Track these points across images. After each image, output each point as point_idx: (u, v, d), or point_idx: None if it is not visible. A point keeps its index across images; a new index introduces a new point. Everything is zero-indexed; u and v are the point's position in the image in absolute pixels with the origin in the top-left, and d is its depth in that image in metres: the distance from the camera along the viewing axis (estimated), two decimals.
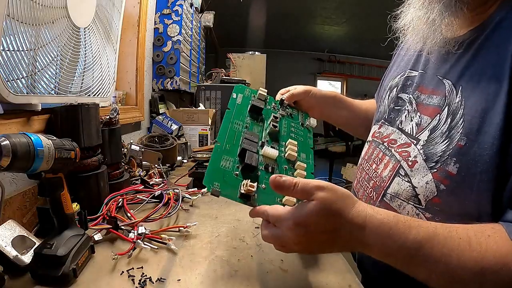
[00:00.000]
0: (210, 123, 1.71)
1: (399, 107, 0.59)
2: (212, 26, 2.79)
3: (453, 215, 0.44)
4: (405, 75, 0.61)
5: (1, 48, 0.57)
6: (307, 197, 0.41)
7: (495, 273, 0.35)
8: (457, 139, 0.44)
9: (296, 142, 0.58)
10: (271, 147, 0.56)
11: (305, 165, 0.55)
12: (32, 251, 0.49)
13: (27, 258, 0.49)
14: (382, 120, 0.62)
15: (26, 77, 0.65)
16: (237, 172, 0.50)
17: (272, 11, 4.29)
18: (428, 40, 0.52)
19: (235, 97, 0.65)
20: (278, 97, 0.71)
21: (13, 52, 0.60)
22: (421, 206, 0.48)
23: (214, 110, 1.90)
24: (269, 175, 0.51)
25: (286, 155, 0.56)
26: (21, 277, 0.48)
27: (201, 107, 1.99)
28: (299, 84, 0.76)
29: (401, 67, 0.64)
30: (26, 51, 0.64)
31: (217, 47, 4.41)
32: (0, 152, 0.39)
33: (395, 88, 0.62)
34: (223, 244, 0.62)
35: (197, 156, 1.46)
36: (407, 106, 0.56)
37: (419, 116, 0.52)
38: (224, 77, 2.39)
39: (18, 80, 0.63)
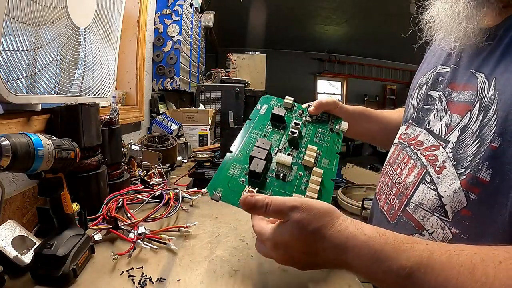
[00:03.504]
0: (210, 123, 1.71)
1: (428, 106, 0.54)
2: (212, 26, 2.79)
3: (483, 232, 0.39)
4: (436, 71, 0.55)
5: (1, 48, 0.57)
6: (281, 218, 0.39)
7: None
8: (489, 139, 0.38)
9: (316, 148, 0.57)
10: (288, 154, 0.56)
11: (321, 171, 0.53)
12: (32, 251, 0.49)
13: (27, 258, 0.49)
14: (410, 121, 0.58)
15: (26, 77, 0.65)
16: (244, 179, 0.51)
17: (272, 11, 4.29)
18: (453, 33, 0.48)
19: (259, 108, 0.66)
20: (306, 105, 0.68)
21: (13, 52, 0.60)
22: (447, 219, 0.43)
23: (214, 110, 1.90)
24: (279, 182, 0.52)
25: (302, 161, 0.55)
26: (21, 277, 0.48)
27: (201, 107, 1.99)
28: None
29: (432, 63, 0.58)
30: (26, 51, 0.64)
31: (217, 47, 4.41)
32: (0, 152, 0.39)
33: (425, 85, 0.57)
34: (223, 244, 0.62)
35: (197, 156, 1.46)
36: (437, 104, 0.51)
37: (449, 115, 0.47)
38: (224, 77, 2.39)
39: (18, 80, 0.63)
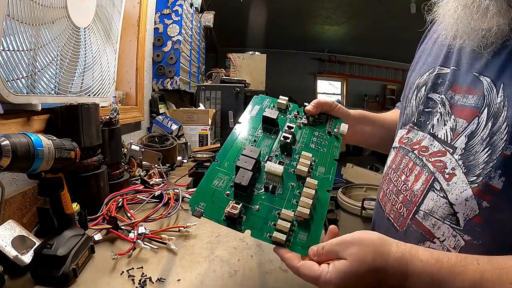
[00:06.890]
0: (210, 123, 1.71)
1: (429, 109, 0.52)
2: (212, 26, 2.79)
3: (496, 237, 0.39)
4: (435, 72, 0.53)
5: (1, 48, 0.57)
6: (336, 256, 0.40)
7: None
8: (501, 147, 0.38)
9: (310, 155, 0.52)
10: (279, 162, 0.51)
11: (315, 182, 0.48)
12: (32, 251, 0.49)
13: (27, 258, 0.49)
14: (411, 124, 0.56)
15: (26, 77, 0.65)
16: (229, 192, 0.46)
17: (272, 11, 4.29)
18: (459, 27, 0.46)
19: (250, 109, 0.60)
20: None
21: (13, 52, 0.60)
22: (458, 227, 0.42)
23: (214, 110, 1.90)
24: (267, 195, 0.48)
25: (295, 170, 0.50)
26: (21, 277, 0.48)
27: (201, 107, 1.99)
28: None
29: (429, 63, 0.57)
30: (26, 51, 0.64)
31: (217, 47, 4.41)
32: (0, 152, 0.39)
33: (424, 87, 0.55)
34: (223, 244, 0.62)
35: (197, 156, 1.46)
36: (439, 108, 0.50)
37: (454, 120, 0.46)
38: (224, 77, 2.39)
39: (18, 80, 0.63)
